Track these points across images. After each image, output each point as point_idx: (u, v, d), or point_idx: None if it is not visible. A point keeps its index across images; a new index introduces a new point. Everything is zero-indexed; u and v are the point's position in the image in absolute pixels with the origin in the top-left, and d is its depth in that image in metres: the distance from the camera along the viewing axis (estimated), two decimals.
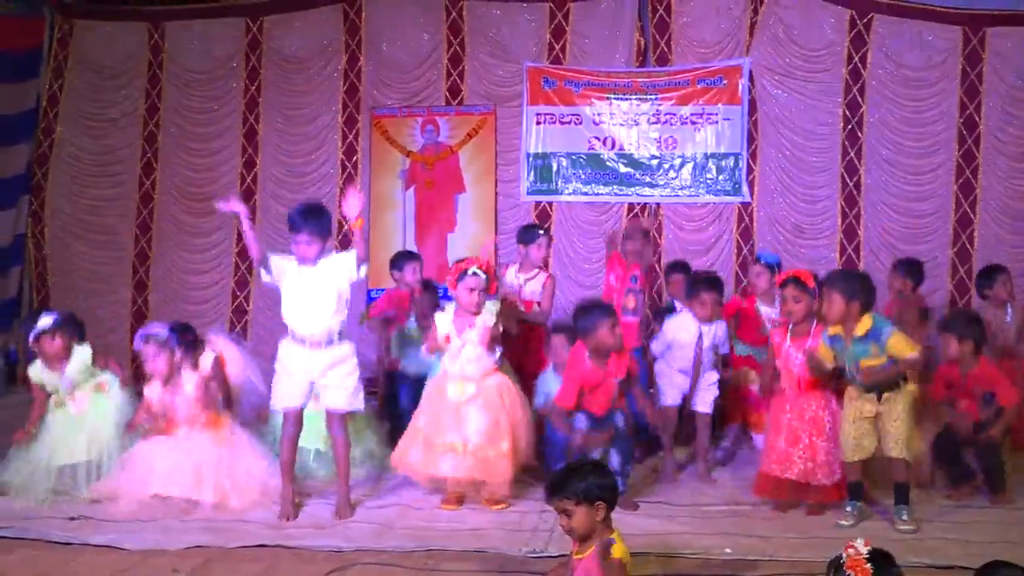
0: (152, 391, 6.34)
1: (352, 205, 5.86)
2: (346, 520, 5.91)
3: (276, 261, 5.96)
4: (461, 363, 6.23)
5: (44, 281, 10.37)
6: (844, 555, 4.04)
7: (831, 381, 5.96)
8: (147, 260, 10.32)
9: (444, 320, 6.31)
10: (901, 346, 5.64)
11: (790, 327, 6.17)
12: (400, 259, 7.79)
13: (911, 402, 5.77)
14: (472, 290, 6.19)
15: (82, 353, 6.54)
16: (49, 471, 6.32)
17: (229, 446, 6.30)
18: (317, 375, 5.98)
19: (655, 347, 7.06)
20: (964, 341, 6.22)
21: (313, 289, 5.91)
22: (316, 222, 5.95)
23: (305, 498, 6.23)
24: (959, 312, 6.56)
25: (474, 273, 6.22)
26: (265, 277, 6.04)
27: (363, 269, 5.95)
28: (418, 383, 6.89)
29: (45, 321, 6.47)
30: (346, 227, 6.02)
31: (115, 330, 10.19)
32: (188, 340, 6.47)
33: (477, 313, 6.24)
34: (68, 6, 10.18)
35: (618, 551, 4.25)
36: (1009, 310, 7.67)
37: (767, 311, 7.25)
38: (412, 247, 9.62)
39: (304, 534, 5.68)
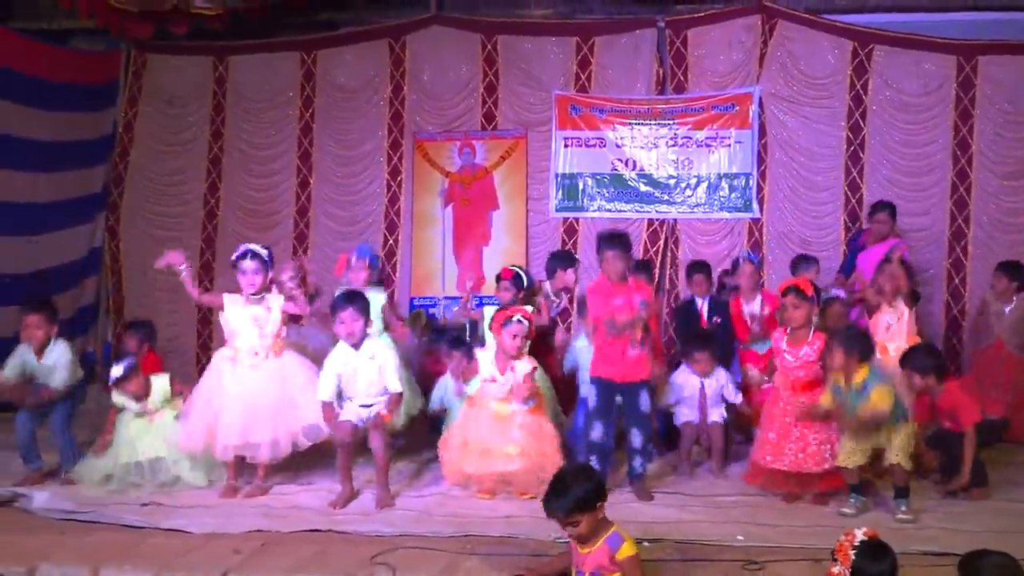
0: (233, 305, 6.30)
1: None
2: (389, 508, 5.95)
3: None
4: (501, 393, 6.24)
5: (119, 289, 10.46)
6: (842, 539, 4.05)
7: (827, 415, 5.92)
8: (211, 271, 10.38)
9: (486, 360, 6.28)
10: (878, 398, 5.62)
11: (788, 331, 6.15)
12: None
13: (910, 432, 5.77)
14: (515, 336, 6.16)
15: (161, 384, 6.55)
16: (122, 469, 6.37)
17: (292, 376, 6.34)
18: (366, 415, 6.15)
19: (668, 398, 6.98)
20: (926, 375, 6.14)
21: (362, 372, 6.12)
22: (360, 304, 6.18)
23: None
24: (917, 348, 6.49)
25: (519, 320, 6.17)
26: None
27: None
28: None
29: (116, 371, 6.45)
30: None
31: (182, 335, 10.27)
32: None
33: (517, 357, 6.23)
34: (142, 42, 10.27)
35: (626, 549, 4.28)
36: (1014, 302, 7.77)
37: (747, 309, 7.34)
38: (451, 260, 9.68)
39: (352, 520, 5.71)
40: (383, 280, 7.50)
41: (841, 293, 7.74)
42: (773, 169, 9.62)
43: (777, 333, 6.26)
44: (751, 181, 9.62)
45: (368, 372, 6.12)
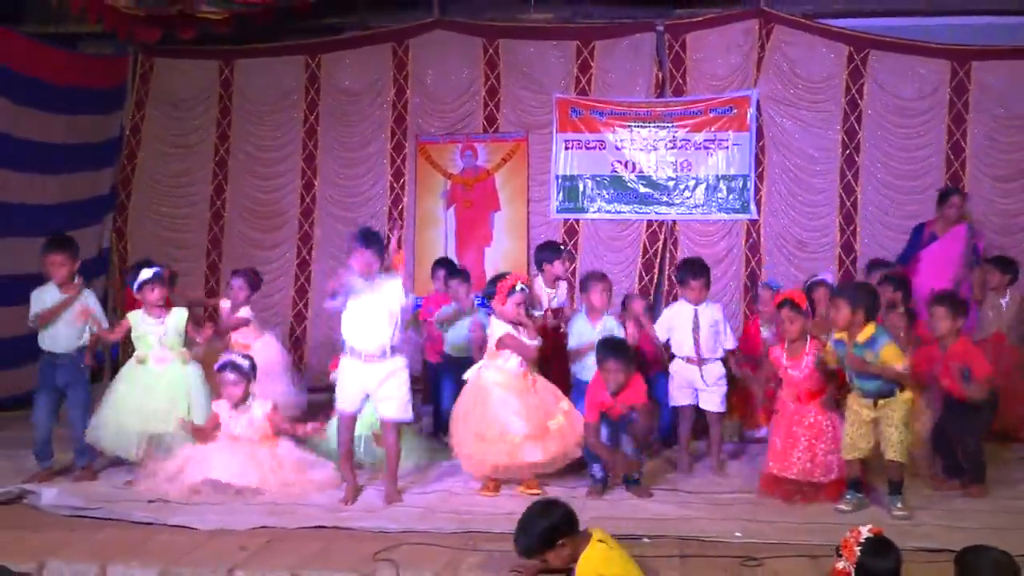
0: (221, 408, 6.35)
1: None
2: (394, 505, 5.92)
3: None
4: (503, 367, 6.24)
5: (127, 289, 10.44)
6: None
7: (833, 384, 5.90)
8: (217, 271, 10.36)
9: (503, 330, 6.26)
10: (891, 356, 5.59)
11: (787, 345, 6.13)
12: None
13: (907, 410, 5.71)
14: (519, 304, 6.21)
15: (179, 314, 6.55)
16: (129, 431, 6.38)
17: (285, 456, 6.34)
18: (373, 386, 6.01)
19: (659, 331, 6.92)
20: (956, 318, 6.12)
21: (370, 309, 5.95)
22: (377, 243, 6.04)
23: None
24: (945, 292, 6.50)
25: (521, 288, 6.23)
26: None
27: (410, 296, 6.13)
28: (459, 368, 6.81)
29: (146, 274, 6.51)
30: (387, 261, 6.07)
31: None
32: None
33: (522, 324, 6.24)
34: (149, 46, 10.25)
35: (584, 571, 4.27)
36: (1008, 296, 7.81)
37: (764, 334, 7.36)
38: (453, 260, 9.64)
39: (357, 516, 5.70)
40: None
41: (828, 277, 7.72)
42: (770, 171, 9.60)
43: (776, 350, 6.23)
44: (749, 183, 9.60)
45: (376, 313, 5.95)
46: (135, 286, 6.54)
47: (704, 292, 6.81)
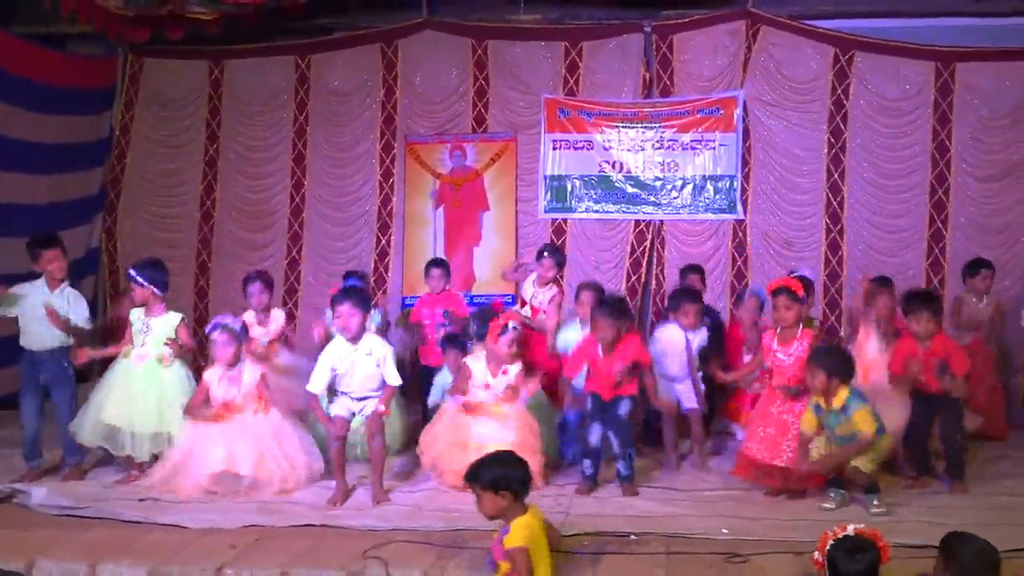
0: (212, 375, 6.32)
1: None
2: (382, 504, 5.94)
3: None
4: (492, 397, 6.29)
5: (116, 289, 10.39)
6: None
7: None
8: (207, 270, 10.35)
9: (479, 368, 6.34)
10: (862, 421, 5.67)
11: (778, 331, 6.17)
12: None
13: (888, 444, 5.86)
14: (511, 344, 6.27)
15: (173, 318, 6.54)
16: (105, 427, 6.33)
17: (279, 431, 6.32)
18: (358, 408, 6.14)
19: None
20: (932, 319, 6.22)
21: (358, 365, 6.07)
22: (357, 298, 6.18)
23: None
24: (922, 292, 6.62)
25: (513, 328, 6.29)
26: None
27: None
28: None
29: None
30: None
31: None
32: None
33: (510, 362, 6.29)
34: (139, 46, 10.23)
35: (513, 539, 4.35)
36: (985, 300, 7.92)
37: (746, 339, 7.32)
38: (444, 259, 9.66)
39: (345, 515, 5.72)
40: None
41: (807, 272, 7.79)
42: (757, 171, 9.62)
43: (767, 335, 6.29)
44: (735, 183, 9.62)
45: (365, 367, 6.09)
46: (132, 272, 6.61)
47: (699, 318, 6.88)
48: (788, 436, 5.99)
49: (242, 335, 6.51)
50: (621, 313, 6.26)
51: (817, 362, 5.81)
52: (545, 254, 7.67)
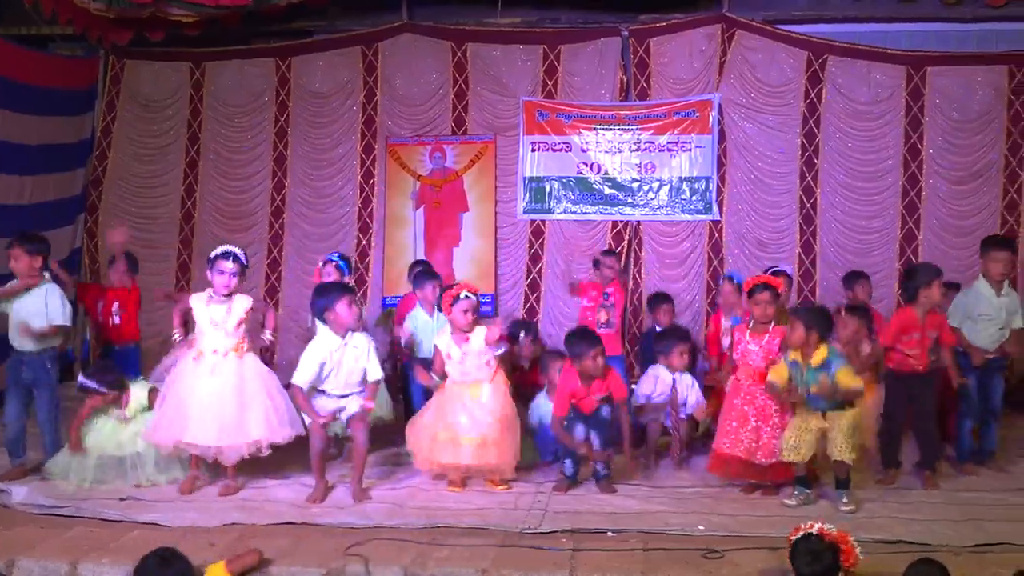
0: (198, 299, 6.19)
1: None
2: (363, 502, 5.92)
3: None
4: (466, 371, 6.25)
5: None
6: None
7: (784, 396, 5.93)
8: (188, 271, 10.29)
9: (444, 342, 6.33)
10: (847, 379, 5.68)
11: (750, 324, 6.19)
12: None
13: (854, 417, 5.79)
14: (466, 311, 6.26)
15: (139, 394, 6.43)
16: (93, 462, 6.23)
17: (259, 373, 6.23)
18: (340, 408, 6.11)
19: (636, 392, 6.98)
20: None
21: (344, 363, 6.04)
22: (353, 294, 6.25)
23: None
24: (927, 266, 6.70)
25: (466, 296, 6.29)
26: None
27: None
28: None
29: (86, 382, 6.43)
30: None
31: (159, 333, 10.14)
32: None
33: (470, 330, 6.28)
34: (120, 48, 10.16)
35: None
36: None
37: (726, 324, 7.28)
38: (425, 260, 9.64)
39: (326, 513, 5.70)
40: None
41: (788, 268, 7.82)
42: (732, 173, 9.67)
43: (738, 329, 6.31)
44: (711, 184, 9.66)
45: (350, 362, 6.06)
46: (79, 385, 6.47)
47: (686, 357, 6.91)
48: (748, 427, 6.01)
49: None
50: (598, 343, 6.19)
51: (797, 316, 5.82)
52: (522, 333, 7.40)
